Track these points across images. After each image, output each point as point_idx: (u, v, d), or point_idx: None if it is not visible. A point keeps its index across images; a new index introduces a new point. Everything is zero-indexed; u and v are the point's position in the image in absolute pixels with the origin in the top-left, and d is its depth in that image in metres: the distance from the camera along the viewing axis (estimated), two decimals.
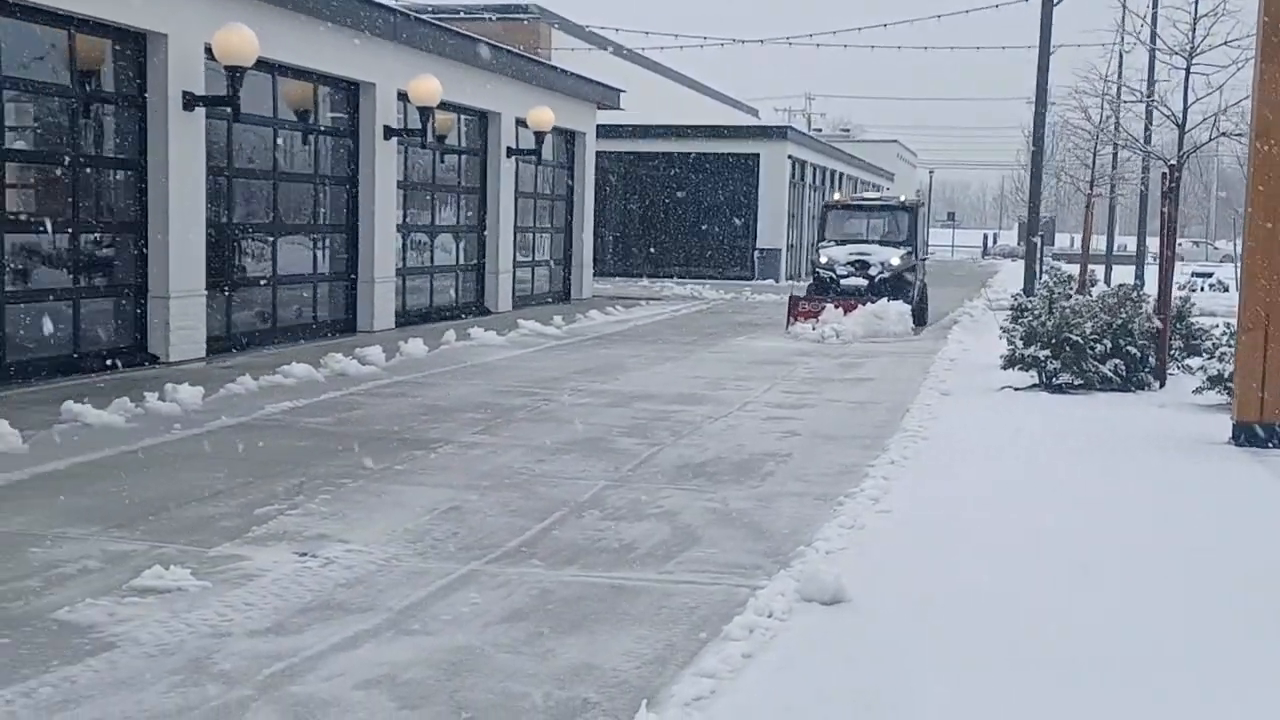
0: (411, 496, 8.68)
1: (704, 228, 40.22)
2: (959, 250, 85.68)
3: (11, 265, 13.11)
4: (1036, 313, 14.97)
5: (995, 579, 6.95)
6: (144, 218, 14.82)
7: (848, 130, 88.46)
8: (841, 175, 52.24)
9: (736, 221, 40.33)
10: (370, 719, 4.90)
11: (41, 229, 13.61)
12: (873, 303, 21.45)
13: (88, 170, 14.38)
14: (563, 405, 12.92)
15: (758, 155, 40.18)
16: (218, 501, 8.33)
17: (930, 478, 9.70)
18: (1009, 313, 18.58)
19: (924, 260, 25.39)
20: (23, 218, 13.38)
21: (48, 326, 13.64)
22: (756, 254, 40.31)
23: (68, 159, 13.88)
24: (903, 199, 25.33)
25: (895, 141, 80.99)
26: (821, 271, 23.23)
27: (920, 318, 23.14)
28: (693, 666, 5.50)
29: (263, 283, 17.58)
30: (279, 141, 17.72)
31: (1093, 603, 6.56)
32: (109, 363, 14.13)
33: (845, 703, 5.13)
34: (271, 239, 17.77)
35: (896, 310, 21.37)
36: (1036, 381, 14.84)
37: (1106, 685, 5.38)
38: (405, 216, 21.49)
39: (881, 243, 23.55)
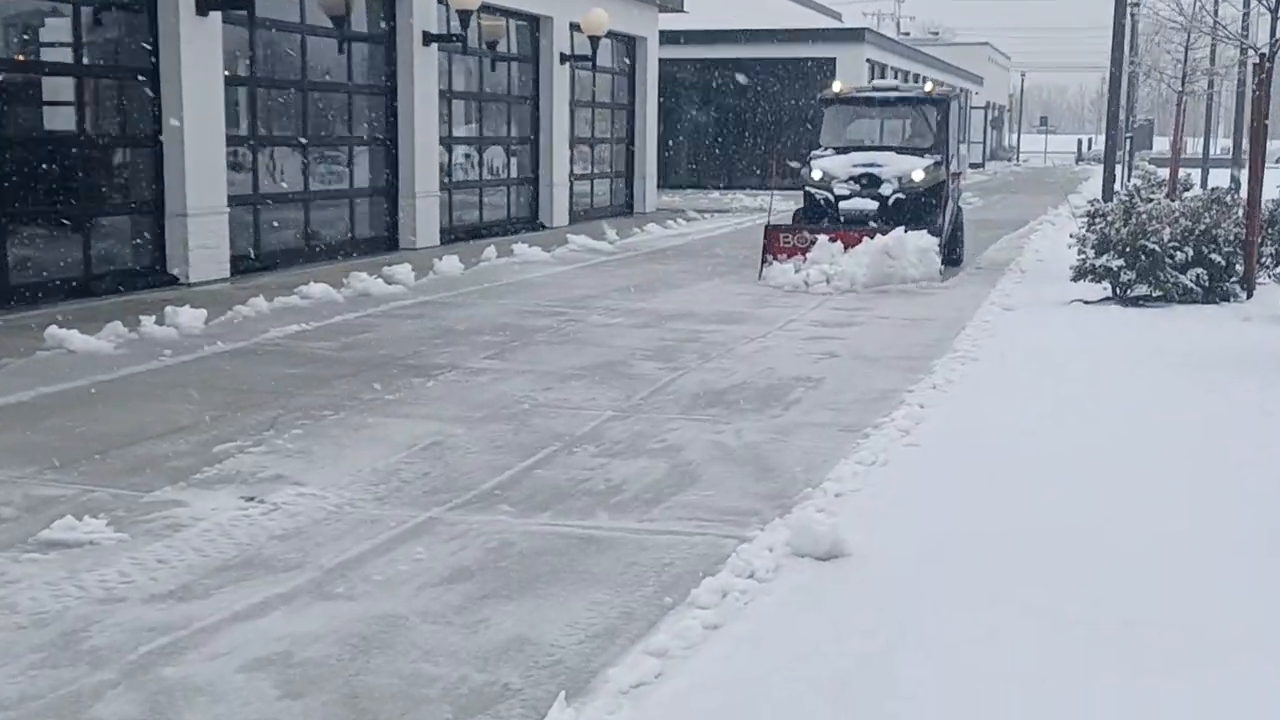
0: (393, 430, 7.92)
1: (777, 137, 38.88)
2: (1052, 156, 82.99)
3: (13, 181, 12.46)
4: (1111, 219, 13.77)
5: (1025, 523, 6.01)
6: (158, 129, 14.10)
7: (936, 34, 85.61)
8: (925, 79, 50.35)
9: (811, 130, 38.89)
10: (241, 711, 4.14)
11: (47, 143, 12.94)
12: (883, 234, 15.32)
13: (93, 79, 13.68)
14: (589, 326, 12.06)
15: (834, 60, 38.65)
16: (177, 438, 7.63)
17: (972, 404, 8.74)
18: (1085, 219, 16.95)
19: (958, 175, 18.41)
20: (23, 129, 12.71)
21: (56, 247, 13.05)
22: None
23: (69, 66, 13.18)
24: (929, 88, 17.86)
25: (986, 44, 78.14)
26: (813, 191, 16.79)
27: (952, 254, 17.39)
28: (644, 642, 4.67)
29: (294, 198, 16.86)
30: (308, 48, 16.88)
31: (1142, 555, 5.61)
32: (125, 285, 13.52)
33: (814, 690, 4.26)
34: (303, 152, 17.01)
35: (917, 245, 15.21)
36: (1109, 294, 13.69)
37: (1158, 668, 4.46)
38: (450, 128, 20.62)
39: (900, 150, 17.16)
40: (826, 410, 8.65)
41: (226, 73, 14.81)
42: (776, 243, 15.91)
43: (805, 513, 5.96)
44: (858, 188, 16.40)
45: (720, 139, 39.63)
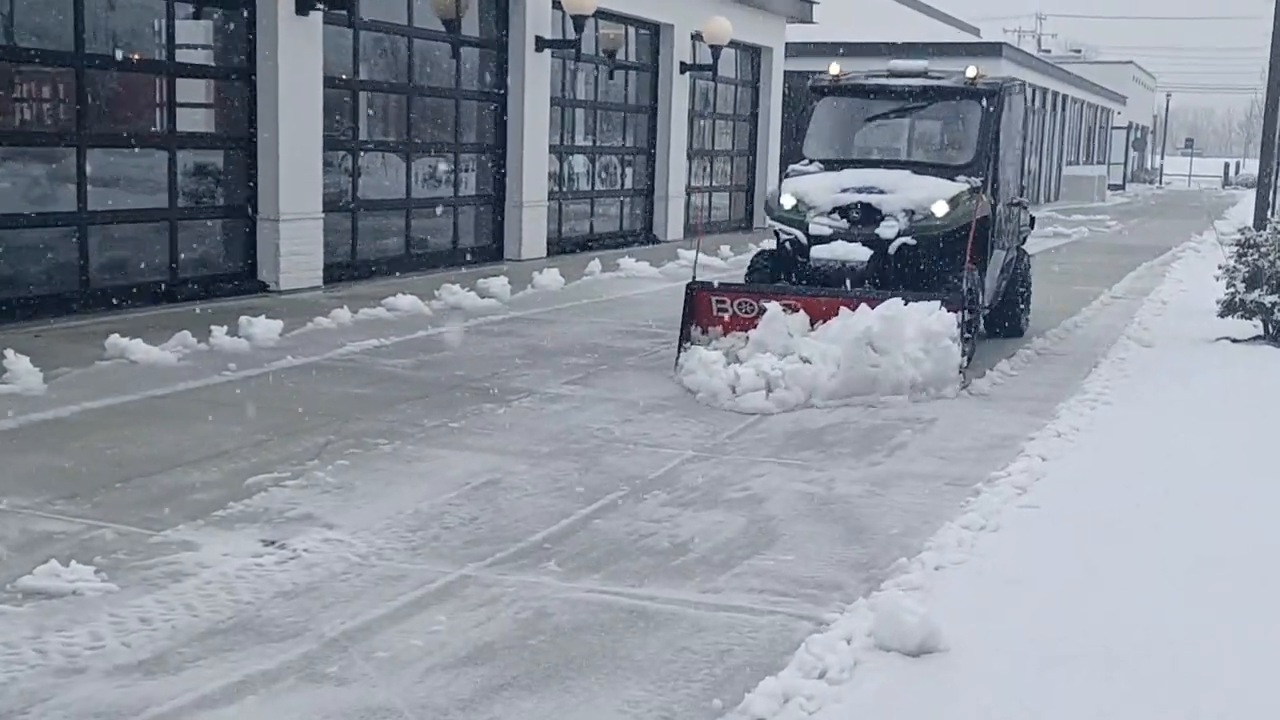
0: (448, 464, 7.17)
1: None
2: (1197, 179, 79.90)
3: (97, 181, 12.05)
4: (1264, 250, 12.52)
5: (1172, 619, 5.03)
6: (253, 131, 13.64)
7: (1079, 51, 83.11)
8: (1065, 97, 48.61)
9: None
10: None
11: (135, 142, 12.52)
12: (872, 304, 9.52)
13: (189, 79, 13.26)
14: None
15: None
16: (211, 465, 6.97)
17: (1102, 458, 7.71)
18: (1234, 249, 14.95)
19: (1019, 205, 12.74)
20: (110, 131, 12.30)
21: (141, 250, 12.62)
22: None
23: (164, 67, 12.76)
24: (971, 73, 11.67)
25: (1130, 63, 75.53)
26: (780, 229, 11.13)
27: (1005, 321, 12.24)
28: None
29: (395, 205, 16.31)
30: (414, 50, 16.33)
31: None
32: (211, 291, 13.06)
33: None
34: (406, 157, 16.46)
35: (922, 329, 9.43)
36: (1262, 333, 12.44)
37: None
38: (563, 137, 19.97)
39: (922, 168, 11.26)
40: (933, 459, 7.71)
41: (328, 75, 14.31)
42: (707, 311, 10.16)
43: (893, 595, 5.04)
44: (844, 225, 10.59)
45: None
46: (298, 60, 13.74)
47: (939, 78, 11.87)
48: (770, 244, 11.62)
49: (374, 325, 11.66)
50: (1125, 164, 66.93)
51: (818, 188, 10.97)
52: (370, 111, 15.89)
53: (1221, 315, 12.65)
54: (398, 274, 15.76)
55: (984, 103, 11.51)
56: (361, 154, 15.65)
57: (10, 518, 5.94)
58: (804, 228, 10.77)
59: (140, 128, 12.73)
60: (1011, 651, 4.70)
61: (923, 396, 9.26)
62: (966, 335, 9.97)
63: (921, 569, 5.56)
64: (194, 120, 13.54)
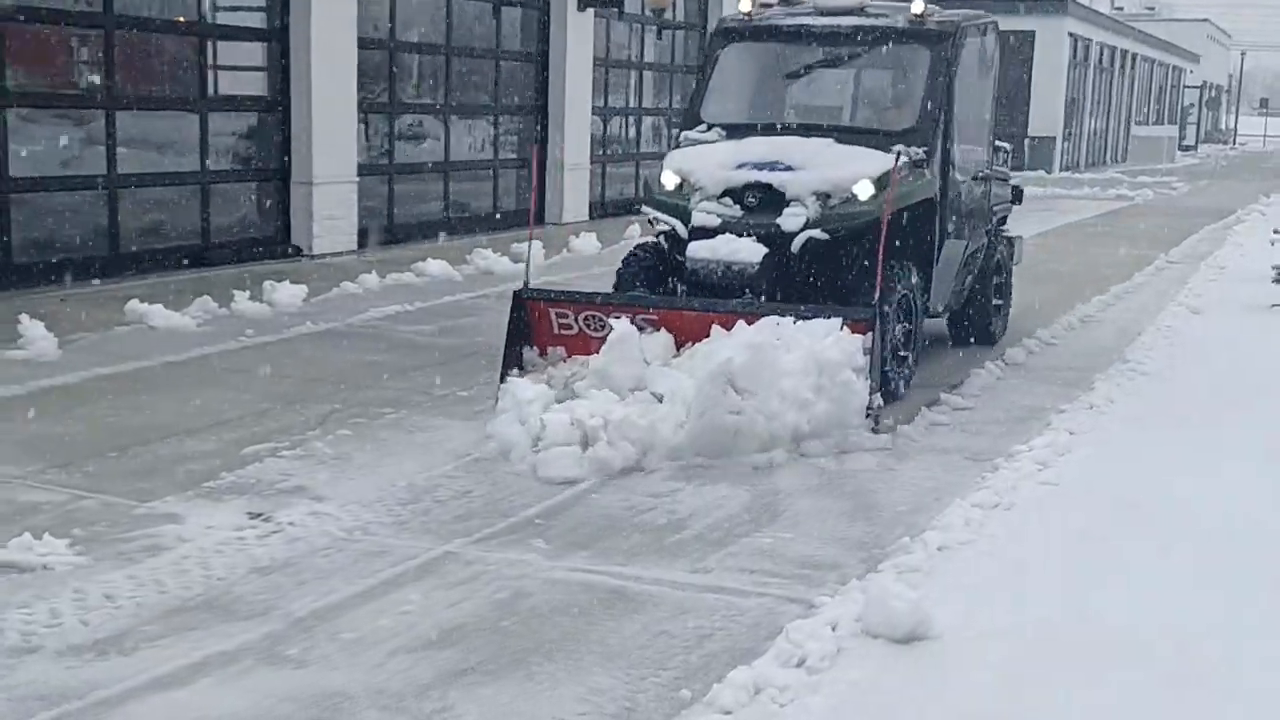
0: (451, 435, 7.01)
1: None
2: (1272, 140, 78.00)
3: (125, 144, 11.97)
4: None
5: (1193, 610, 4.76)
6: (285, 96, 13.51)
7: (1152, 8, 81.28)
8: (1135, 56, 47.48)
9: (1005, 106, 36.80)
10: None
11: (159, 106, 12.43)
12: (751, 322, 7.13)
13: (222, 41, 13.14)
14: None
15: (1032, 33, 36.45)
16: (211, 434, 6.86)
17: (1134, 432, 7.40)
18: None
19: (989, 178, 9.85)
20: (140, 93, 12.21)
21: (173, 213, 12.56)
22: (1027, 142, 36.82)
23: (195, 28, 12.65)
24: (918, 11, 8.84)
25: (1205, 20, 73.73)
26: (657, 217, 8.54)
27: (976, 326, 9.91)
28: None
29: (433, 169, 16.15)
30: (453, 10, 16.12)
31: None
32: (244, 255, 12.98)
33: None
34: (444, 119, 16.29)
35: (814, 358, 6.88)
36: None
37: None
38: (607, 98, 19.69)
39: (845, 134, 8.66)
40: (957, 432, 7.43)
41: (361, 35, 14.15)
42: (545, 328, 7.90)
43: (884, 579, 4.81)
44: (737, 212, 8.07)
45: None
46: (331, 20, 13.56)
47: (876, 16, 9.03)
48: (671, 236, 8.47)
49: (401, 290, 11.52)
50: (1198, 124, 65.44)
51: (709, 163, 8.29)
52: (407, 72, 15.71)
53: (1276, 281, 12.21)
54: (435, 237, 15.62)
55: (934, 48, 8.72)
56: (398, 116, 15.50)
57: None
58: (685, 216, 8.16)
59: (171, 90, 12.62)
60: (1009, 641, 4.46)
61: (821, 449, 6.71)
62: (903, 354, 8.05)
63: (924, 549, 5.32)
64: (226, 82, 13.42)
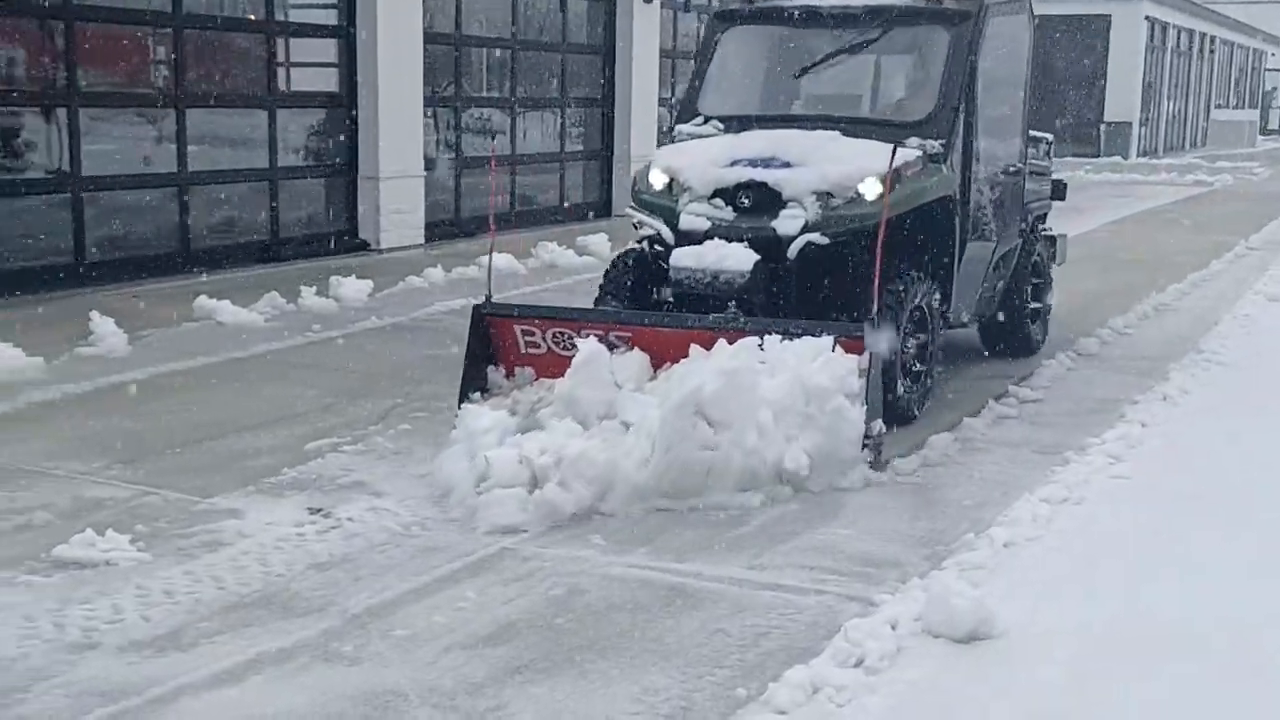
0: None
1: (1042, 99, 36.33)
2: None
3: (198, 142, 12.10)
4: None
5: (1264, 605, 4.62)
6: (353, 92, 13.58)
7: None
8: (1214, 39, 46.55)
9: (1080, 92, 36.29)
10: None
11: (229, 103, 12.54)
12: (736, 337, 6.31)
13: (290, 37, 13.24)
14: None
15: (1107, 17, 35.86)
16: (274, 429, 6.90)
17: (1209, 423, 7.23)
18: None
19: (1020, 173, 8.76)
20: (210, 91, 12.33)
21: (242, 210, 12.68)
22: (1103, 127, 36.25)
23: (263, 25, 12.75)
24: None
25: None
26: (642, 220, 7.69)
27: (1021, 343, 9.10)
28: None
29: (500, 162, 16.16)
30: (519, 4, 16.12)
31: None
32: (312, 250, 13.08)
33: None
34: (511, 113, 16.31)
35: (800, 385, 6.05)
36: None
37: None
38: (674, 90, 19.61)
39: (854, 126, 7.78)
40: (1025, 424, 7.31)
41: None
42: (510, 347, 7.13)
43: (946, 576, 4.71)
44: (729, 214, 7.30)
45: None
46: (398, 16, 13.63)
47: None
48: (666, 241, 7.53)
49: (466, 284, 11.53)
50: None
51: (700, 160, 7.49)
52: (474, 66, 15.75)
53: None
54: (503, 231, 15.62)
55: (954, 29, 7.86)
56: (465, 110, 15.53)
57: (62, 485, 5.91)
58: (673, 220, 7.42)
59: (240, 87, 12.74)
60: (1076, 639, 4.35)
61: (813, 486, 5.94)
62: (918, 367, 7.33)
63: (989, 546, 5.22)
64: (294, 79, 13.53)
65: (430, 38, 14.27)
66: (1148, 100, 38.16)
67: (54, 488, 5.86)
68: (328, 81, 13.66)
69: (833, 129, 7.64)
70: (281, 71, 13.16)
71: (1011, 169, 8.59)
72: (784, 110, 8.33)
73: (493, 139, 8.70)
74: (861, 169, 7.10)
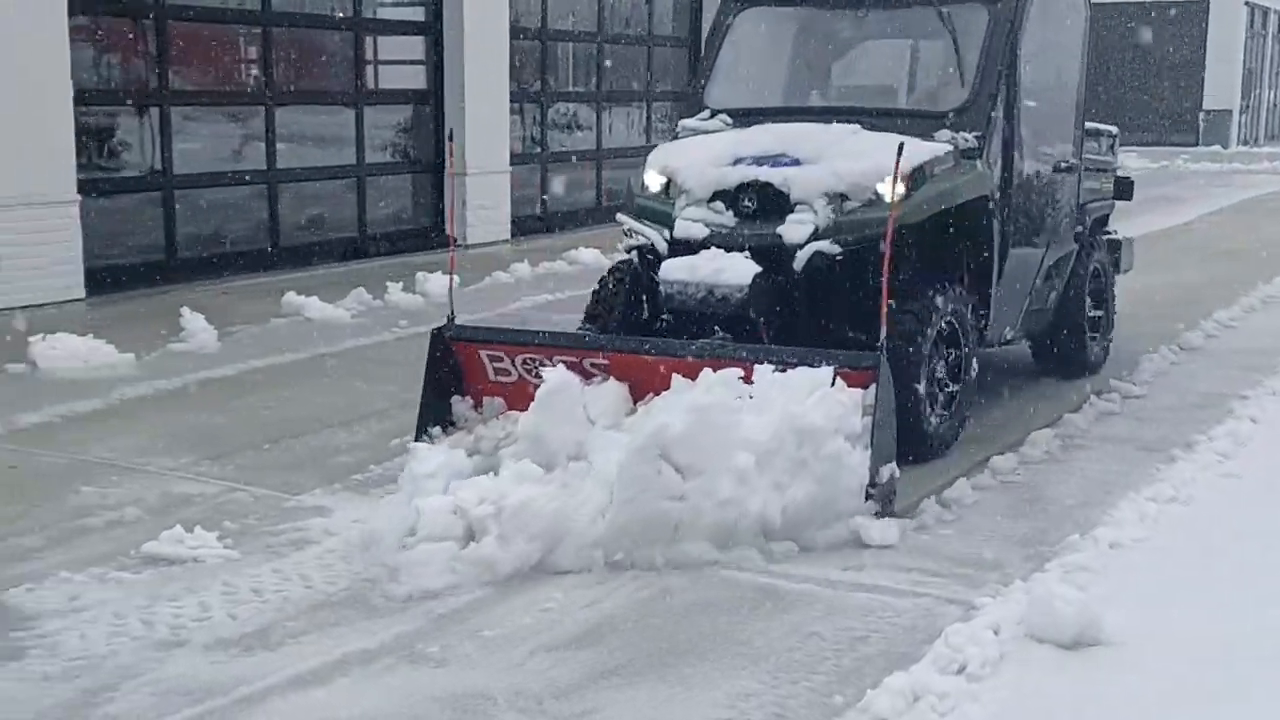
0: None
1: (1139, 88, 35.58)
2: None
3: (287, 140, 12.18)
4: None
5: None
6: (439, 88, 13.60)
7: None
8: None
9: (1178, 80, 35.44)
10: None
11: (317, 101, 12.61)
12: (722, 366, 5.44)
13: (377, 35, 13.29)
14: None
15: (1206, 2, 34.97)
16: (360, 426, 6.88)
17: None
18: None
19: (1073, 169, 7.71)
20: (298, 89, 12.40)
21: (330, 207, 12.74)
22: (1202, 116, 35.38)
23: (350, 23, 12.81)
24: None
25: None
26: (635, 225, 6.72)
27: (1077, 360, 8.04)
28: None
29: (586, 157, 16.12)
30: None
31: None
32: (399, 246, 13.12)
33: None
34: (597, 108, 16.25)
35: (789, 425, 5.10)
36: None
37: None
38: None
39: (879, 118, 6.81)
40: (1129, 419, 7.07)
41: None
42: (478, 374, 6.32)
43: (1049, 579, 4.53)
44: (730, 219, 6.41)
45: None
46: (484, 12, 13.63)
47: None
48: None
49: (552, 279, 11.50)
50: None
51: (699, 159, 6.59)
52: (559, 61, 15.71)
53: None
54: (590, 225, 15.61)
55: (993, 8, 6.87)
56: (550, 105, 15.50)
57: (151, 480, 5.92)
58: (669, 225, 6.52)
59: (328, 85, 12.81)
60: (1188, 648, 4.15)
61: (806, 542, 5.10)
62: (949, 387, 6.42)
63: (1094, 547, 5.02)
64: (381, 76, 13.58)
65: (516, 33, 14.25)
66: (1248, 88, 37.18)
67: (144, 484, 5.87)
68: (415, 79, 13.68)
69: (853, 122, 6.72)
70: (369, 69, 13.21)
71: (1064, 165, 7.59)
72: (801, 102, 7.50)
73: (449, 138, 7.76)
74: (881, 166, 6.00)
